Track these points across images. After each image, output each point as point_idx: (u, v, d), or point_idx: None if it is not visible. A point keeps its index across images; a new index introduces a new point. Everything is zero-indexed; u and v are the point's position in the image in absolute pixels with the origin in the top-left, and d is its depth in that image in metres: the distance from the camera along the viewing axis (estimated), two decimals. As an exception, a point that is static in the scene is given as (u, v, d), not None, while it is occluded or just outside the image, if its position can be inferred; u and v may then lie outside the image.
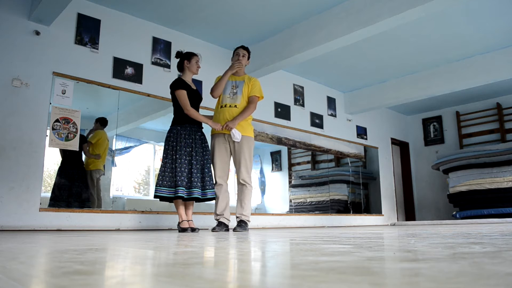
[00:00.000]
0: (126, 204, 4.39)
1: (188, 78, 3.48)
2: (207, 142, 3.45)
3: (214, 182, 3.44)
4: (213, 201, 3.48)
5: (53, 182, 3.93)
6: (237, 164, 3.47)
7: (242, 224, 3.39)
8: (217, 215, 3.45)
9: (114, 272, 0.82)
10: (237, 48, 3.67)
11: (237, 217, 3.45)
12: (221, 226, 3.40)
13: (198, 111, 3.47)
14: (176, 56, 3.52)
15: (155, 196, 3.28)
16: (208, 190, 3.32)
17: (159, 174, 3.28)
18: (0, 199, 3.37)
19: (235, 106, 3.48)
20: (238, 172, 3.47)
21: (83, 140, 4.11)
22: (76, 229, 3.67)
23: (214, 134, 3.55)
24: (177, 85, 3.36)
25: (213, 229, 3.39)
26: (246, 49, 3.66)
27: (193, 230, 3.29)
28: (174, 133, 3.32)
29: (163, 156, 3.34)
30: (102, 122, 4.25)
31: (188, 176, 3.25)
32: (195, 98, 3.44)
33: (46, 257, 1.17)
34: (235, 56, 3.62)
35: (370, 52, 5.50)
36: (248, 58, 3.67)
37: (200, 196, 3.27)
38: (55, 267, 0.91)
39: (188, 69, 3.46)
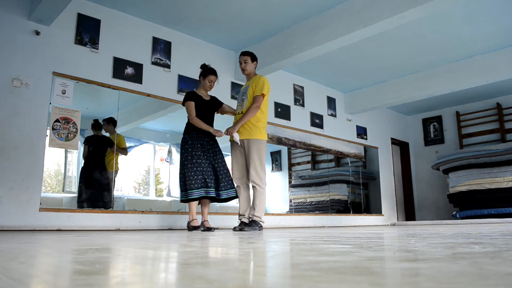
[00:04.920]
0: (126, 204, 4.39)
1: (202, 90, 3.70)
2: (218, 147, 3.63)
3: (230, 183, 3.59)
4: (226, 202, 3.66)
5: (79, 183, 4.05)
6: (248, 166, 3.59)
7: (252, 224, 3.49)
8: (239, 215, 3.63)
9: (114, 272, 0.82)
10: (239, 55, 3.78)
11: (249, 218, 3.56)
12: (241, 225, 3.54)
13: (212, 118, 3.69)
14: (200, 67, 3.75)
15: (188, 200, 3.41)
16: (222, 191, 3.49)
17: (188, 179, 3.38)
18: (0, 199, 3.36)
19: (242, 112, 3.63)
20: (249, 174, 3.58)
21: (110, 142, 4.26)
22: (76, 229, 3.67)
23: (230, 142, 3.74)
24: (185, 97, 3.60)
25: (234, 228, 3.54)
26: (246, 53, 3.73)
27: (209, 229, 3.42)
28: (183, 142, 3.55)
29: (181, 162, 3.49)
30: (114, 124, 4.30)
31: (204, 177, 3.43)
32: (208, 108, 3.64)
33: (46, 257, 1.17)
34: (240, 65, 3.75)
35: (370, 52, 5.50)
36: (253, 60, 3.73)
37: (215, 196, 3.44)
38: (55, 267, 0.91)
39: (201, 84, 3.71)
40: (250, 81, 3.70)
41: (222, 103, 3.80)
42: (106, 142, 4.24)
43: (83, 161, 4.10)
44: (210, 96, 3.75)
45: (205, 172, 3.41)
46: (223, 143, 4.16)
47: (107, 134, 4.32)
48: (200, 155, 3.45)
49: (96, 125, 4.19)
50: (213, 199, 3.50)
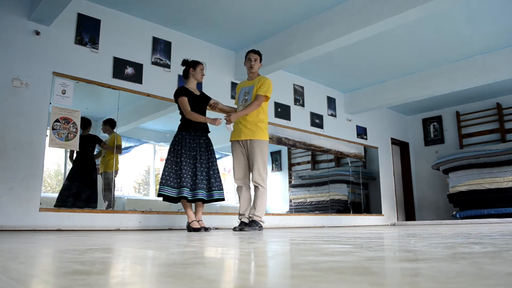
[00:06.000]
0: (126, 204, 4.39)
1: (192, 85, 3.64)
2: (212, 146, 3.58)
3: (221, 184, 3.55)
4: (219, 202, 3.62)
5: (63, 183, 3.99)
6: (250, 167, 3.60)
7: (252, 224, 3.49)
8: (240, 215, 3.63)
9: (114, 272, 0.82)
10: (248, 52, 3.77)
11: (249, 217, 3.57)
12: (242, 225, 3.54)
13: (204, 113, 3.61)
14: (182, 64, 3.66)
15: (159, 195, 3.38)
16: (214, 191, 3.44)
17: (163, 174, 3.40)
18: (0, 199, 3.36)
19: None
20: (251, 175, 3.59)
21: (98, 140, 4.22)
22: (76, 229, 3.67)
23: (231, 142, 3.73)
24: (178, 93, 3.53)
25: (234, 228, 3.53)
26: (257, 52, 3.76)
27: (205, 229, 3.42)
28: (179, 138, 3.47)
29: (167, 157, 3.47)
30: (112, 124, 4.28)
31: (193, 179, 3.38)
32: (200, 102, 3.58)
33: (46, 257, 1.17)
34: (247, 62, 3.73)
35: (370, 52, 5.50)
36: (260, 60, 3.77)
37: (205, 198, 3.38)
38: (55, 267, 0.91)
39: (193, 76, 3.62)
40: (254, 80, 3.67)
41: (210, 98, 3.74)
42: (94, 140, 4.21)
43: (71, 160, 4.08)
44: (200, 91, 3.70)
45: (198, 174, 3.36)
46: (223, 143, 4.17)
47: (106, 135, 4.31)
48: (195, 155, 3.41)
49: (82, 124, 3.98)
50: (203, 200, 3.42)
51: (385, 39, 5.10)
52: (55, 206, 3.75)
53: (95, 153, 4.26)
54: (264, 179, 3.57)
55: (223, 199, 3.51)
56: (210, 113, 3.73)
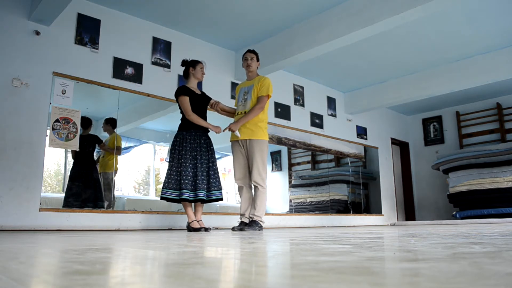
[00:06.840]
0: (126, 204, 4.39)
1: (193, 84, 3.63)
2: (212, 146, 3.58)
3: (220, 184, 3.56)
4: (218, 202, 3.64)
5: (68, 185, 3.99)
6: (250, 167, 3.60)
7: (252, 224, 3.49)
8: (240, 215, 3.65)
9: (114, 272, 0.82)
10: (245, 52, 3.79)
11: (249, 217, 3.57)
12: (241, 225, 3.55)
13: (205, 113, 3.61)
14: (182, 65, 3.66)
15: (161, 198, 3.41)
16: (213, 192, 3.46)
17: (165, 177, 3.43)
18: (0, 199, 3.36)
19: (245, 112, 3.60)
20: (251, 174, 3.58)
21: (97, 140, 4.23)
22: (76, 229, 3.67)
23: (231, 142, 3.73)
24: (179, 92, 3.51)
25: (233, 228, 3.54)
26: (253, 51, 3.77)
27: (205, 229, 3.42)
28: (180, 138, 3.46)
29: (169, 159, 3.49)
30: (113, 124, 4.28)
31: (194, 179, 3.39)
32: (201, 102, 3.57)
33: (46, 257, 1.17)
34: (244, 62, 3.74)
35: (370, 52, 5.50)
36: (258, 60, 3.78)
37: (205, 198, 3.39)
38: (55, 267, 0.91)
39: (193, 75, 3.61)
40: (253, 80, 3.68)
41: (211, 98, 3.73)
42: (94, 140, 4.22)
43: (72, 160, 4.09)
44: (200, 90, 3.69)
45: (199, 174, 3.37)
46: (223, 143, 4.17)
47: (106, 135, 4.32)
48: (196, 155, 3.41)
49: (83, 124, 3.96)
50: (203, 201, 3.44)
51: (385, 39, 5.10)
52: (63, 206, 3.78)
53: (94, 153, 4.27)
54: (264, 179, 3.57)
55: (221, 199, 3.53)
56: (210, 113, 3.73)
